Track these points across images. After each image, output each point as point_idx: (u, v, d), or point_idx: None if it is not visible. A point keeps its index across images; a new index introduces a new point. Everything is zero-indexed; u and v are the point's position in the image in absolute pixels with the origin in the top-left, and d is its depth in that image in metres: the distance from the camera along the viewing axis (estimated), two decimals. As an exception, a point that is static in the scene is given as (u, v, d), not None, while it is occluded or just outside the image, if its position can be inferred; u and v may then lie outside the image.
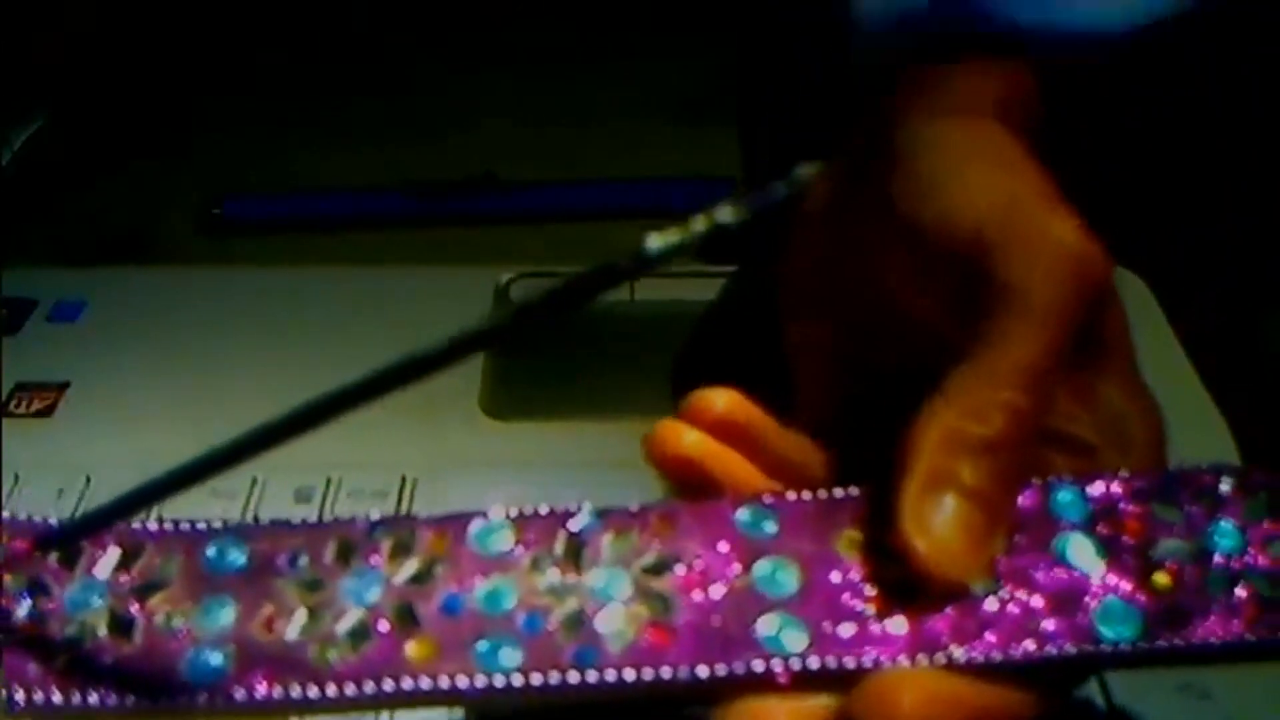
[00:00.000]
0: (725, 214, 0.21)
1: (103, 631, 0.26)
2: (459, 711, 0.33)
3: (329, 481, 0.41)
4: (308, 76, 0.72)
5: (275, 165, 0.64)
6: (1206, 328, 0.48)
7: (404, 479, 0.41)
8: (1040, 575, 0.26)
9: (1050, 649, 0.25)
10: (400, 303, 0.49)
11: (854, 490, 0.28)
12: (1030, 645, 0.25)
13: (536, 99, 0.70)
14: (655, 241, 0.21)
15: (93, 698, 0.25)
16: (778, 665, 0.25)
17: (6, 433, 0.42)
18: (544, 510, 0.28)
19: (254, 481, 0.40)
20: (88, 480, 0.40)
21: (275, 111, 0.69)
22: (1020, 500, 0.27)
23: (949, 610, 0.26)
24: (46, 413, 0.44)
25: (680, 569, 0.27)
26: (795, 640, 0.25)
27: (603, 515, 0.28)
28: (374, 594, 0.26)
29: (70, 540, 0.27)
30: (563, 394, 0.47)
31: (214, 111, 0.69)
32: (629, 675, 0.25)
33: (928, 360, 0.28)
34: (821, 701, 0.25)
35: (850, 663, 0.25)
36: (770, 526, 0.27)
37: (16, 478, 0.40)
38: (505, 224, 0.60)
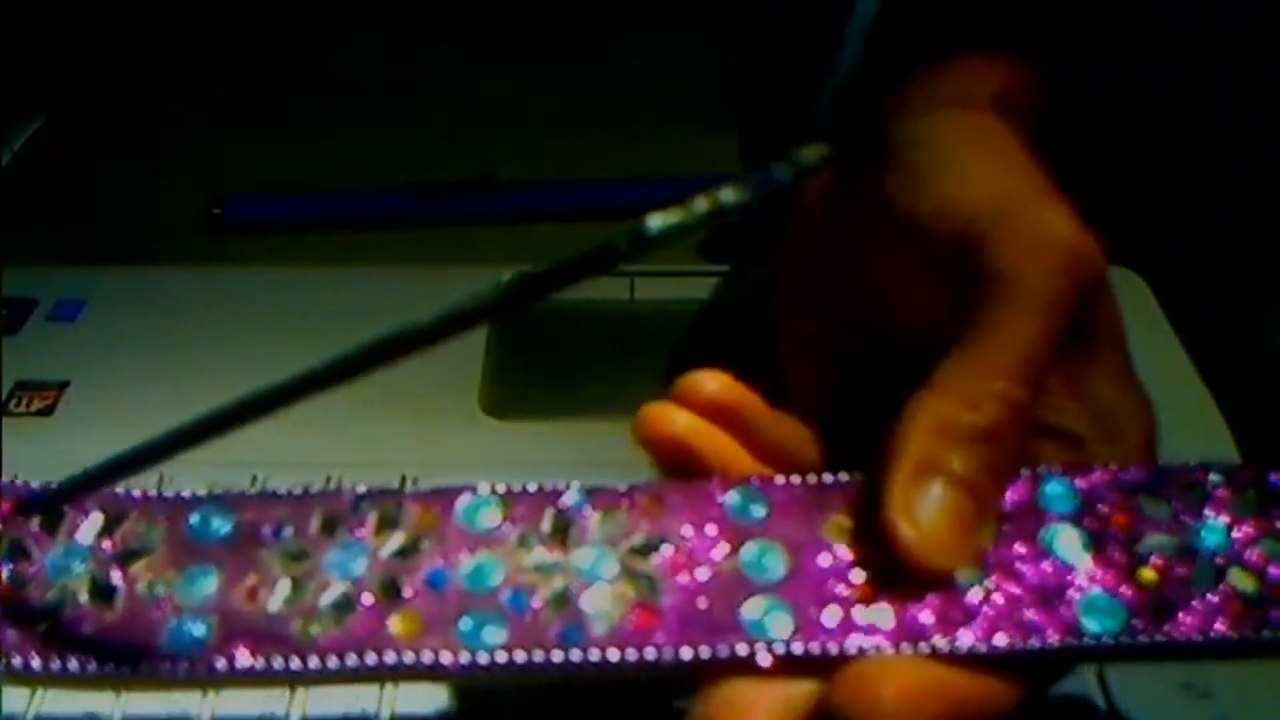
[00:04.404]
0: (728, 195, 0.21)
1: (84, 598, 0.26)
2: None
3: (329, 480, 0.40)
4: (308, 76, 0.72)
5: (275, 165, 0.64)
6: (1206, 328, 0.48)
7: (404, 478, 0.41)
8: (1026, 566, 0.26)
9: (1033, 641, 0.25)
10: (400, 303, 0.49)
11: (844, 476, 0.28)
12: (1014, 636, 0.25)
13: (536, 99, 0.70)
14: (656, 221, 0.21)
15: (73, 664, 0.25)
16: (762, 650, 0.25)
17: (6, 432, 0.42)
18: (532, 488, 0.28)
19: (254, 480, 0.40)
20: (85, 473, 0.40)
21: (275, 111, 0.69)
22: (1009, 491, 0.27)
23: (934, 599, 0.26)
24: (46, 412, 0.44)
25: (667, 550, 0.27)
26: (780, 625, 0.25)
27: (591, 494, 0.28)
28: (359, 566, 0.26)
29: (53, 505, 0.27)
30: (563, 394, 0.47)
31: (214, 111, 0.69)
32: (613, 656, 0.25)
33: (921, 354, 0.28)
34: (805, 687, 0.25)
35: (834, 649, 0.25)
36: (759, 510, 0.27)
37: (16, 477, 0.40)
38: (505, 224, 0.60)
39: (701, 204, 0.21)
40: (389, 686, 0.34)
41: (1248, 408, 0.44)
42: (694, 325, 0.49)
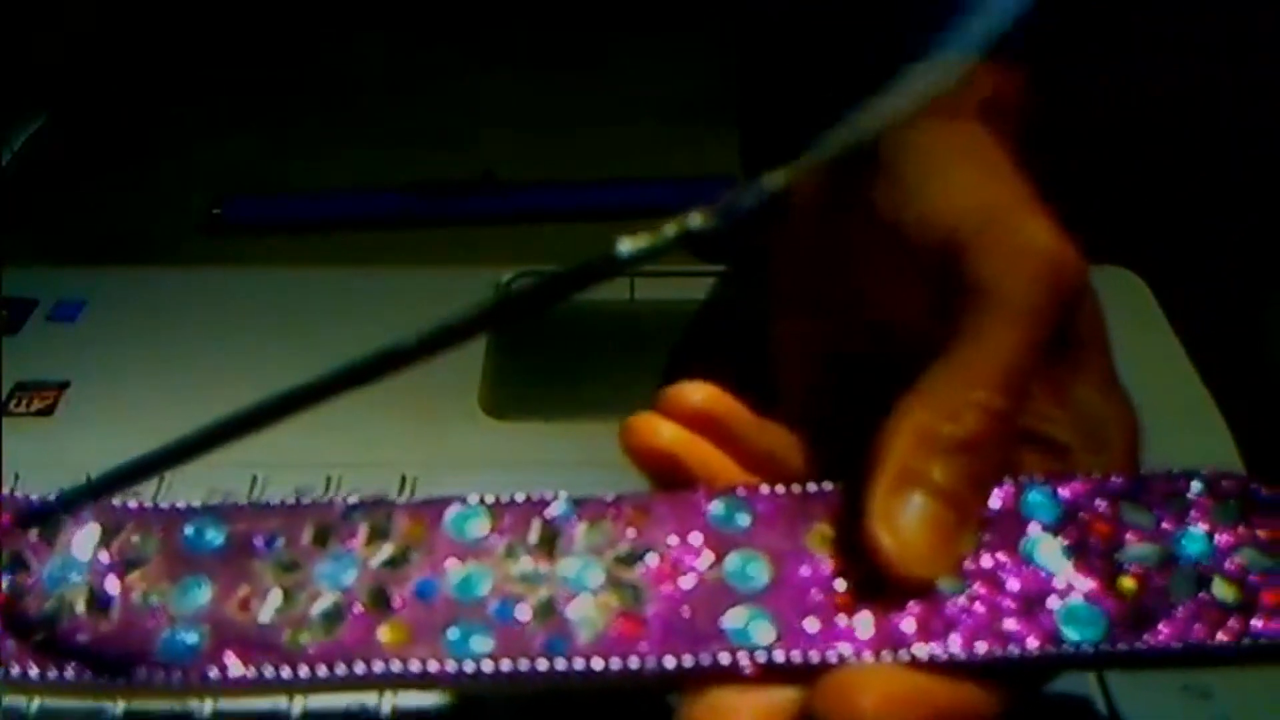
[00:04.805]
0: (695, 220, 0.22)
1: (81, 608, 0.26)
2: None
3: (329, 481, 0.41)
4: (308, 77, 0.72)
5: (275, 165, 0.64)
6: (1206, 328, 0.48)
7: (404, 478, 0.41)
8: (1007, 575, 0.27)
9: (1014, 649, 0.25)
10: (400, 303, 0.49)
11: (827, 485, 0.28)
12: (994, 645, 0.25)
13: (536, 99, 0.70)
14: (626, 245, 0.22)
15: (69, 673, 0.25)
16: (744, 658, 0.25)
17: (6, 432, 0.42)
18: (520, 498, 0.28)
19: (254, 480, 0.40)
20: (88, 480, 0.40)
21: (275, 111, 0.69)
22: (992, 499, 0.28)
23: (915, 607, 0.26)
24: (46, 412, 0.44)
25: (652, 559, 0.27)
26: (763, 633, 0.26)
27: (578, 504, 0.28)
28: (349, 577, 0.26)
29: (51, 516, 0.27)
30: (563, 394, 0.47)
31: (214, 112, 0.69)
32: (597, 665, 0.25)
33: (907, 360, 0.28)
34: (787, 695, 0.25)
35: (816, 657, 0.25)
36: (743, 519, 0.28)
37: (16, 477, 0.40)
38: (505, 224, 0.60)
39: (670, 230, 0.22)
40: (389, 686, 0.34)
41: (1248, 408, 0.44)
42: (693, 325, 0.49)
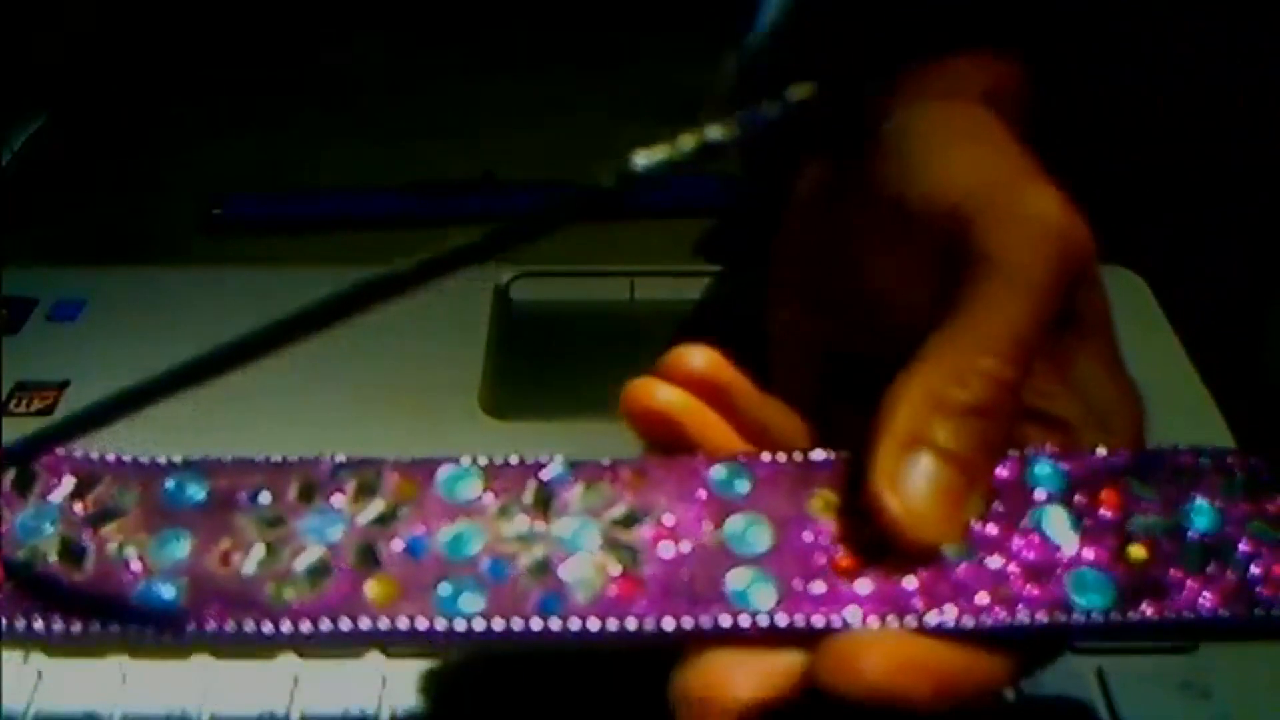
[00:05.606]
0: (715, 132, 0.21)
1: (53, 558, 0.25)
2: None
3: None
4: (308, 76, 0.72)
5: (275, 165, 0.64)
6: (1206, 328, 0.48)
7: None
8: (1015, 544, 0.26)
9: (1022, 616, 0.25)
10: (400, 302, 0.49)
11: (830, 453, 0.28)
12: (1001, 612, 0.25)
13: (536, 99, 0.70)
14: (642, 158, 0.21)
15: (38, 624, 0.24)
16: (745, 621, 0.25)
17: (6, 432, 0.41)
18: (514, 460, 0.27)
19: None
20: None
21: (275, 111, 0.69)
22: (997, 471, 0.27)
23: (920, 573, 0.25)
24: (46, 412, 0.44)
25: (650, 522, 0.26)
26: (764, 596, 0.25)
27: (574, 467, 0.27)
28: (335, 532, 0.26)
29: (25, 457, 0.26)
30: (563, 394, 0.47)
31: (214, 111, 0.69)
32: (593, 625, 0.25)
33: (908, 347, 0.28)
34: (789, 659, 0.25)
35: (819, 621, 0.25)
36: (743, 485, 0.27)
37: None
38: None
39: (688, 141, 0.21)
40: (387, 686, 0.34)
41: (1248, 408, 0.44)
42: (693, 325, 0.49)
